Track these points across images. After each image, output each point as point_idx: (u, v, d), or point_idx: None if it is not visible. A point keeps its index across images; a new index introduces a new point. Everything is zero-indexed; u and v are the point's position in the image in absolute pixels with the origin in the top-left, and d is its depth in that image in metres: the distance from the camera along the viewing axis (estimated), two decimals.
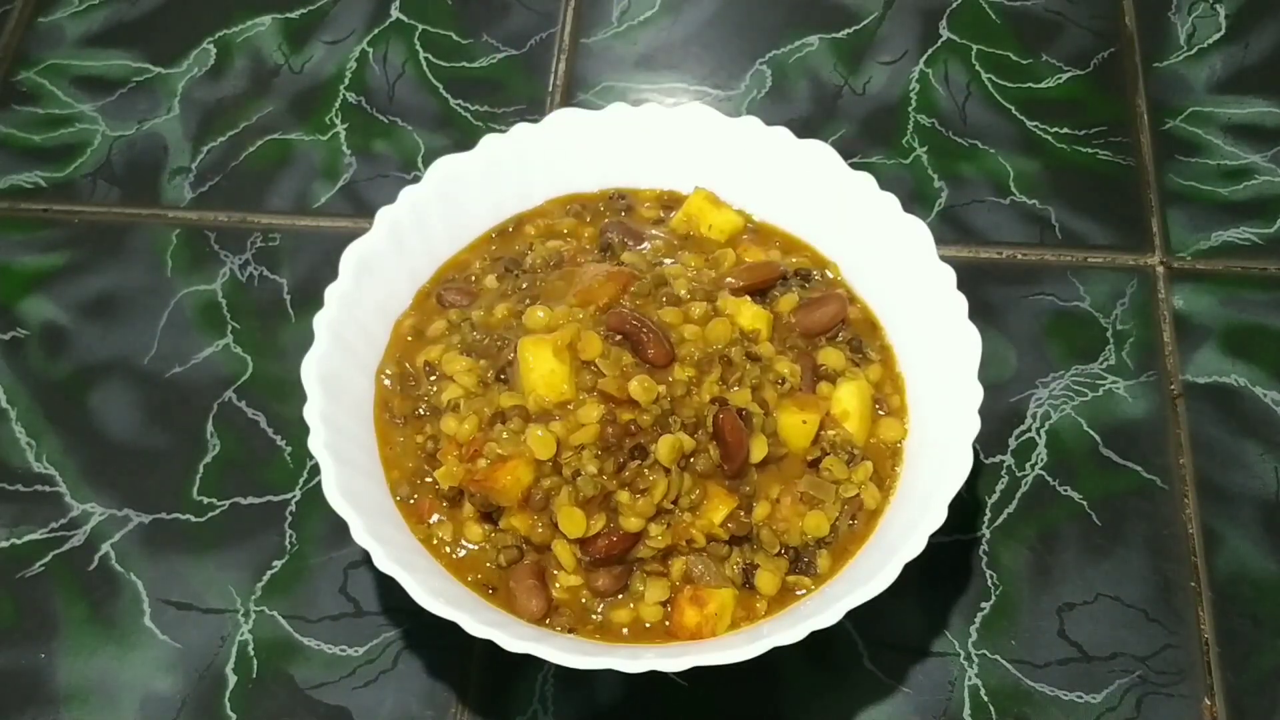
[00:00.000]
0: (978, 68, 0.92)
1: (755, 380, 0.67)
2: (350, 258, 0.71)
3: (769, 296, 0.72)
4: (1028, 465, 0.75)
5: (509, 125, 0.76)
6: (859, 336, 0.72)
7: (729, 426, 0.64)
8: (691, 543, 0.64)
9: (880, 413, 0.70)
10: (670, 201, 0.77)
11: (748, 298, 0.70)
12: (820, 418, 0.67)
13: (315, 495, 0.73)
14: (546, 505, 0.64)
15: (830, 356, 0.70)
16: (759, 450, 0.65)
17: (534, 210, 0.77)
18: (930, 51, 0.93)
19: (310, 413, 0.65)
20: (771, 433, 0.66)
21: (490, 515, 0.65)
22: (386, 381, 0.71)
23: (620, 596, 0.65)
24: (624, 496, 0.64)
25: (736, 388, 0.66)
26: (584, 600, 0.65)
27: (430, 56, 0.93)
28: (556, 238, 0.75)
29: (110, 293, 0.82)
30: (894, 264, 0.72)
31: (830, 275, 0.75)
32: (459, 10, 0.96)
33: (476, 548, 0.66)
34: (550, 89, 0.91)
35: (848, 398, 0.68)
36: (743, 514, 0.65)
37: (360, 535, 0.61)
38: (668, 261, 0.72)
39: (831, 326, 0.72)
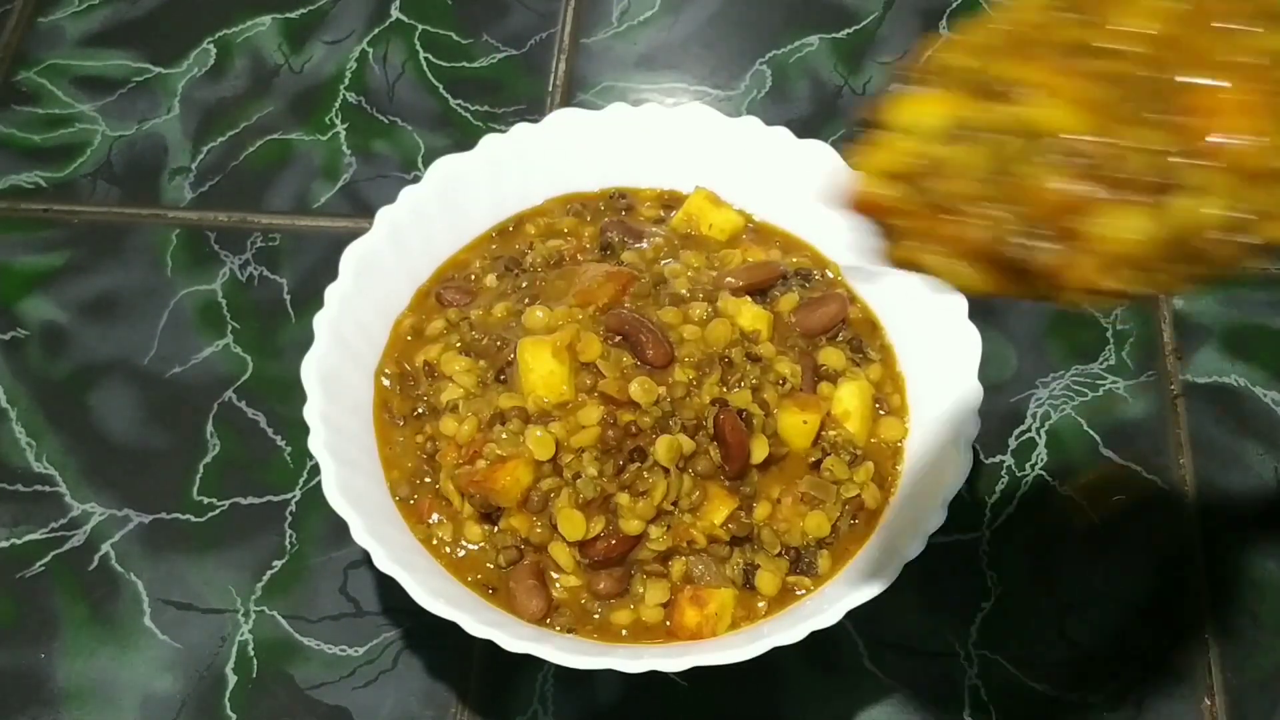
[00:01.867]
0: None
1: (756, 380, 0.67)
2: (350, 258, 0.71)
3: (769, 296, 0.72)
4: (1028, 465, 0.75)
5: (509, 125, 0.76)
6: (859, 336, 0.72)
7: (730, 428, 0.64)
8: (692, 543, 0.64)
9: (881, 412, 0.70)
10: (671, 201, 0.77)
11: (748, 298, 0.70)
12: (821, 418, 0.67)
13: (315, 495, 0.73)
14: (545, 507, 0.64)
15: (830, 356, 0.70)
16: (760, 451, 0.65)
17: (534, 209, 0.77)
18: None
19: (310, 413, 0.65)
20: (772, 433, 0.66)
21: (490, 516, 0.65)
22: (386, 381, 0.71)
23: (621, 599, 0.65)
24: (624, 499, 0.63)
25: (737, 388, 0.66)
26: (584, 601, 0.65)
27: (430, 56, 0.93)
28: (557, 237, 0.75)
29: (110, 293, 0.82)
30: None
31: (830, 275, 0.75)
32: (459, 10, 0.96)
33: (476, 548, 0.66)
34: (550, 89, 0.91)
35: (849, 397, 0.68)
36: (743, 515, 0.65)
37: (360, 535, 0.61)
38: (667, 261, 0.72)
39: (832, 326, 0.71)
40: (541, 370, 0.65)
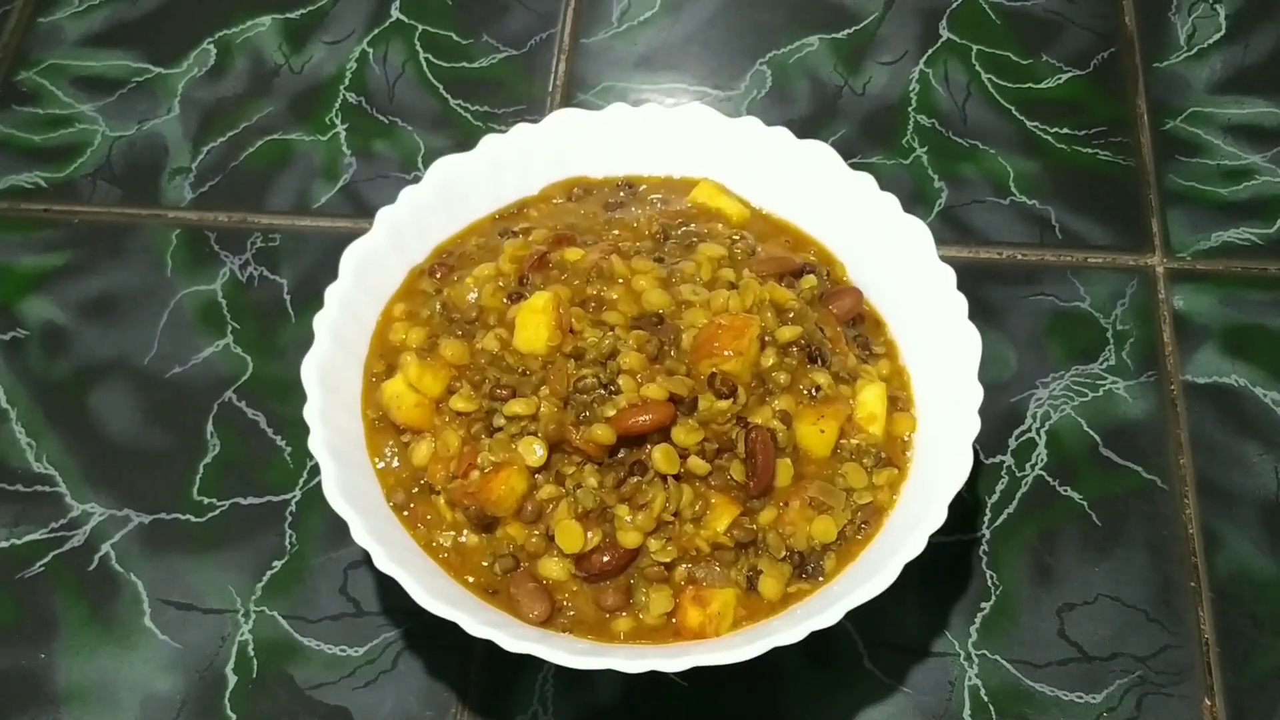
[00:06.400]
0: (978, 68, 0.92)
1: (786, 383, 0.66)
2: (350, 258, 0.71)
3: (795, 289, 0.71)
4: (1028, 465, 0.75)
5: (509, 125, 0.76)
6: (864, 334, 0.72)
7: (762, 447, 0.64)
8: (697, 552, 0.63)
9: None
10: (676, 191, 0.77)
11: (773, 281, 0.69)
12: (840, 425, 0.66)
13: (315, 495, 0.73)
14: (540, 517, 0.64)
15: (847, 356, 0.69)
16: (785, 475, 0.65)
17: (536, 196, 0.76)
18: (930, 52, 0.93)
19: (310, 413, 0.65)
20: (791, 447, 0.65)
21: (487, 526, 0.65)
22: (375, 380, 0.70)
23: (625, 609, 0.64)
24: (622, 511, 0.63)
25: (764, 402, 0.65)
26: (585, 607, 0.64)
27: (430, 56, 0.93)
28: (558, 218, 0.75)
29: (110, 293, 0.82)
30: (894, 264, 0.72)
31: (835, 274, 0.75)
32: (459, 10, 0.96)
33: (474, 551, 0.65)
34: (550, 89, 0.91)
35: (872, 401, 0.67)
36: (747, 520, 0.64)
37: (360, 535, 0.61)
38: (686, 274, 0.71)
39: (850, 317, 0.71)
40: (531, 326, 0.64)
